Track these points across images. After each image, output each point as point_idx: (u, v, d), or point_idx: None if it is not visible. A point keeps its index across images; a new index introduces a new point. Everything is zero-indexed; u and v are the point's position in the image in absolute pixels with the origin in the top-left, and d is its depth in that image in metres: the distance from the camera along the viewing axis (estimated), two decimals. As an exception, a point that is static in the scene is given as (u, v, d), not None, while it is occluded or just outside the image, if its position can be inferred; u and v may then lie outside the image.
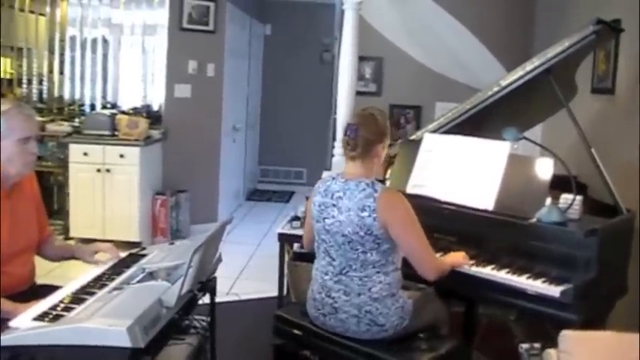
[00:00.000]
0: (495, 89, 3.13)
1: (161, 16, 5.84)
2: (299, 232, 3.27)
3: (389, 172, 3.25)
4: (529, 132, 3.05)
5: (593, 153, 2.78)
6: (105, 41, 6.07)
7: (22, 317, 1.84)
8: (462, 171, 2.84)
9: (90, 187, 5.36)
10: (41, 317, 1.83)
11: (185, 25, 5.81)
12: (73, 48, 6.07)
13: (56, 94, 6.15)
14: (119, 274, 2.24)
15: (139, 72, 6.03)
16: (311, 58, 8.49)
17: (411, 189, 2.96)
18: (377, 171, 2.51)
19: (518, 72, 3.04)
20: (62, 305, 1.92)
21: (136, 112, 5.80)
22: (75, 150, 5.38)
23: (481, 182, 2.76)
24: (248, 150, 8.03)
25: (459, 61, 5.35)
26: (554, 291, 2.35)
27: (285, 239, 3.65)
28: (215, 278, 2.51)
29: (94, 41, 6.06)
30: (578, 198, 2.62)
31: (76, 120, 5.81)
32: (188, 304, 2.14)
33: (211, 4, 5.90)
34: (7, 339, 1.71)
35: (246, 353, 3.57)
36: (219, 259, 2.55)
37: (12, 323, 1.80)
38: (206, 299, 2.44)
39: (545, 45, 3.06)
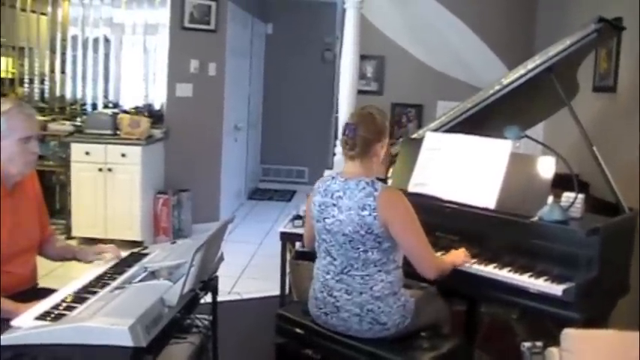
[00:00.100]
0: (497, 88, 3.12)
1: (162, 15, 5.84)
2: (301, 230, 3.27)
3: (391, 170, 3.25)
4: (531, 130, 3.04)
5: (595, 151, 2.77)
6: (106, 40, 6.07)
7: (23, 316, 1.84)
8: (464, 169, 2.84)
9: (92, 186, 5.37)
10: (43, 316, 1.83)
11: (186, 24, 5.81)
12: (75, 47, 6.07)
13: (58, 93, 6.16)
14: (121, 273, 2.24)
15: (140, 71, 6.04)
16: (313, 57, 8.49)
17: (412, 187, 2.96)
18: (376, 170, 2.50)
19: (520, 70, 3.04)
20: (64, 304, 1.92)
21: (137, 111, 5.81)
22: (77, 149, 5.38)
23: (483, 181, 2.75)
24: (250, 149, 8.03)
25: (460, 59, 5.35)
26: (557, 289, 2.34)
27: (286, 238, 3.65)
28: (217, 277, 2.51)
29: (96, 40, 6.06)
30: (580, 196, 2.61)
31: (78, 119, 5.82)
32: (190, 303, 2.14)
33: (213, 4, 5.89)
34: (9, 338, 1.71)
35: (248, 352, 3.57)
36: (221, 258, 2.55)
37: (14, 322, 1.81)
38: (208, 298, 2.44)
39: (547, 43, 3.05)
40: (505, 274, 2.51)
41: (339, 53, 5.11)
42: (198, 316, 2.42)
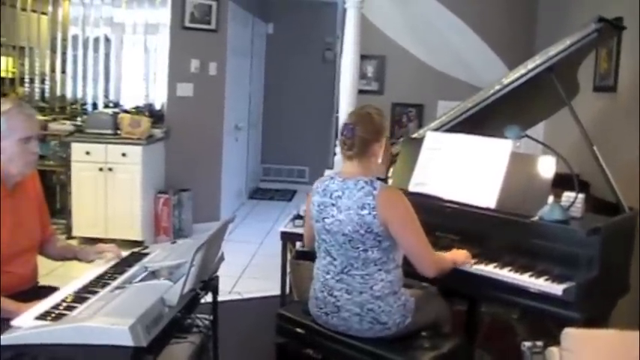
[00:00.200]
0: (497, 87, 3.12)
1: (163, 15, 5.84)
2: (301, 230, 3.26)
3: (391, 170, 3.25)
4: (531, 130, 3.04)
5: (596, 151, 2.77)
6: (107, 40, 6.07)
7: (24, 316, 1.84)
8: (465, 169, 2.84)
9: (92, 186, 5.37)
10: (43, 316, 1.83)
11: (187, 23, 5.81)
12: (75, 47, 6.07)
13: (58, 93, 6.16)
14: (121, 273, 2.25)
15: (141, 71, 6.04)
16: (313, 57, 8.49)
17: (413, 187, 2.96)
18: (375, 169, 2.49)
19: (520, 70, 3.04)
20: (64, 304, 1.92)
21: (138, 110, 5.82)
22: (77, 149, 5.39)
23: (483, 180, 2.75)
24: (250, 149, 8.03)
25: (461, 59, 5.35)
26: (557, 289, 2.34)
27: (287, 238, 3.66)
28: (217, 277, 2.51)
29: (96, 40, 6.06)
30: (581, 196, 2.61)
31: (79, 119, 5.82)
32: (190, 303, 2.14)
33: (213, 3, 5.89)
34: (9, 338, 1.71)
35: (249, 352, 3.57)
36: (222, 258, 2.55)
37: (14, 322, 1.81)
38: (208, 298, 2.44)
39: (547, 43, 3.05)
40: (505, 274, 2.51)
41: (340, 53, 5.12)
42: (198, 315, 2.42)
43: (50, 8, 6.02)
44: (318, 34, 8.40)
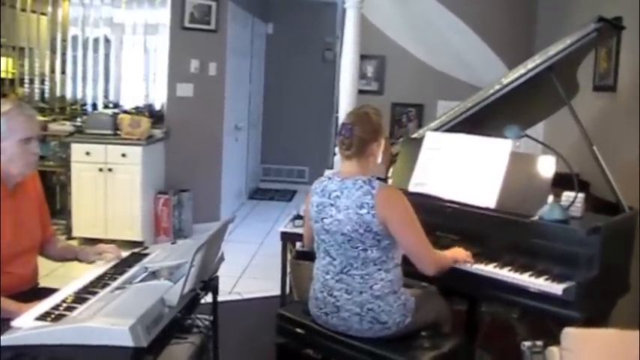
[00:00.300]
0: (497, 87, 3.12)
1: (163, 15, 5.84)
2: (301, 230, 3.26)
3: (391, 170, 3.25)
4: (531, 130, 3.04)
5: (595, 151, 2.77)
6: (107, 41, 6.07)
7: (24, 317, 1.84)
8: (464, 169, 2.84)
9: (92, 186, 5.37)
10: (43, 317, 1.83)
11: (187, 24, 5.81)
12: (75, 47, 6.07)
13: (58, 93, 6.16)
14: (121, 273, 2.24)
15: (140, 71, 6.04)
16: (313, 57, 8.49)
17: (413, 187, 2.96)
18: (373, 169, 2.50)
19: (520, 70, 3.04)
20: (64, 305, 1.92)
21: (138, 111, 5.81)
22: (77, 149, 5.38)
23: (483, 180, 2.76)
24: (250, 149, 8.03)
25: (461, 59, 5.35)
26: (557, 289, 2.34)
27: (287, 238, 3.66)
28: (217, 277, 2.51)
29: (96, 41, 6.06)
30: (580, 196, 2.61)
31: (78, 119, 5.82)
32: (190, 303, 2.14)
33: (213, 3, 5.89)
34: (10, 339, 1.71)
35: (249, 352, 3.57)
36: (222, 258, 2.55)
37: (14, 323, 1.81)
38: (208, 298, 2.44)
39: (547, 43, 3.05)
40: (505, 274, 2.51)
41: (340, 53, 5.12)
42: (198, 316, 2.42)
43: (50, 9, 6.02)
44: (318, 34, 8.40)
